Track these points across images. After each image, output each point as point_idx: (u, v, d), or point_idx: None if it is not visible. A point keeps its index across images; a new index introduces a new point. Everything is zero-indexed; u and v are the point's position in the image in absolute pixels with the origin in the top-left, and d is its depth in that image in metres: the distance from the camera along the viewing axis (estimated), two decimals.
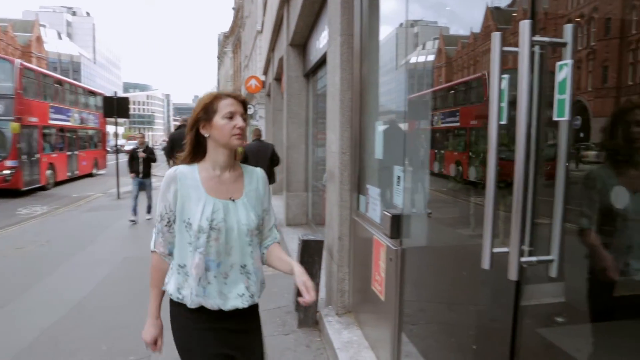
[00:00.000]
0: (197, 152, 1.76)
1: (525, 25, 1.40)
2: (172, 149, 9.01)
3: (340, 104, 3.49)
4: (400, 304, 2.67)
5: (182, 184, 1.70)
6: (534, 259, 1.59)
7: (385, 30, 3.49)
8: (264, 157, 6.92)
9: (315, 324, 3.89)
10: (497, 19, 2.15)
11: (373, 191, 3.11)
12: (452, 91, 2.75)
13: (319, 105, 6.83)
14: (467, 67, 2.58)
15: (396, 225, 2.54)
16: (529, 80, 1.45)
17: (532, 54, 1.44)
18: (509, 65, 1.60)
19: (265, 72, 14.46)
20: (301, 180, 7.83)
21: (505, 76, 1.60)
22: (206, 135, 1.72)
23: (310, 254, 3.73)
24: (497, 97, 1.51)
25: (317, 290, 3.82)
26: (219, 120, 1.69)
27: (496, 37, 1.52)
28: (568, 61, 1.42)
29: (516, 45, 1.46)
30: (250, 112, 21.75)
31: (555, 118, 1.48)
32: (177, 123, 10.23)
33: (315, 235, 3.81)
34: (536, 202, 1.62)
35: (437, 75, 3.18)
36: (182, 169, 1.73)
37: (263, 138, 8.08)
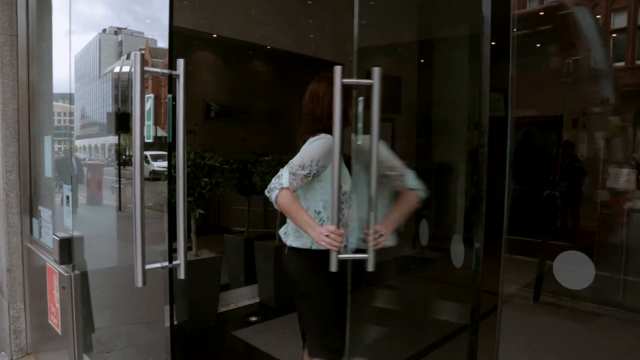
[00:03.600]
0: None
1: (137, 56, 1.47)
2: None
3: (2, 114, 2.99)
4: (77, 334, 2.44)
5: None
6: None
7: (87, 35, 3.19)
8: None
9: None
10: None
11: (45, 213, 2.77)
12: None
13: None
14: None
15: (66, 249, 2.32)
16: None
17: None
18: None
19: None
20: None
21: (150, 95, 1.65)
22: None
23: None
24: (139, 116, 1.53)
25: None
26: None
27: (137, 56, 1.54)
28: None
29: None
30: None
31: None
32: None
33: None
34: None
35: (144, 87, 3.09)
36: None
37: None
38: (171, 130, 1.65)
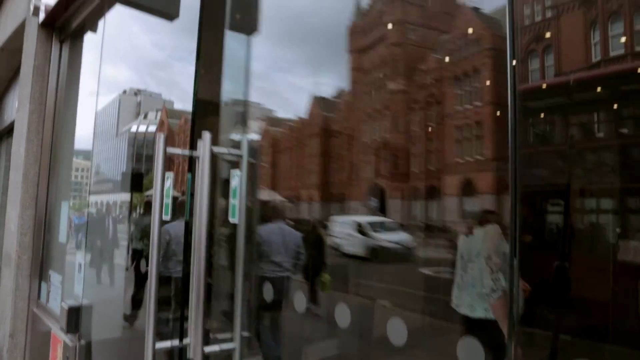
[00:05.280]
0: None
1: (160, 138, 1.54)
2: None
3: (23, 178, 3.07)
4: None
5: None
6: (217, 347, 1.67)
7: (109, 96, 3.32)
8: None
9: None
10: None
11: (55, 278, 2.77)
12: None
13: None
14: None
15: (73, 318, 2.30)
16: (209, 182, 1.58)
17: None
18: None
19: None
20: None
21: (170, 174, 1.70)
22: None
23: None
24: (160, 196, 1.57)
25: None
26: None
27: (161, 138, 1.61)
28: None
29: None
30: None
31: (230, 220, 1.68)
32: None
33: None
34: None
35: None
36: None
37: None
38: (189, 209, 1.69)
